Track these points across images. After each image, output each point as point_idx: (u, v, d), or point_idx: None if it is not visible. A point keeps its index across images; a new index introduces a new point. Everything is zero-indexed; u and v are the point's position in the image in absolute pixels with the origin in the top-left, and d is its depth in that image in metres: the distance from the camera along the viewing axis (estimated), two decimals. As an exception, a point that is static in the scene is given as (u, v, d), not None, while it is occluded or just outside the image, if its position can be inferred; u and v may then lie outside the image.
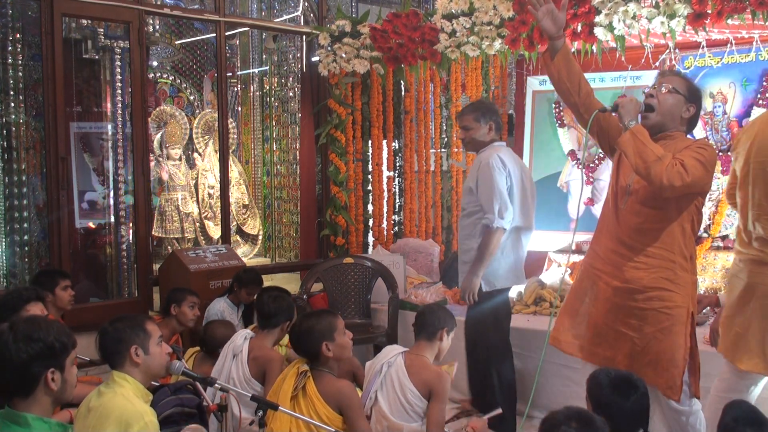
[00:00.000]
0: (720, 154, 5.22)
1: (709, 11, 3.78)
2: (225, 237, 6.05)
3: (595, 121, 3.07)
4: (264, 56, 8.15)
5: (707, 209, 5.18)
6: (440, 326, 3.34)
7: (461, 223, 4.02)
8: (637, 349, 2.96)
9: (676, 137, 2.99)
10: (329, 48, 5.79)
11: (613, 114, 3.02)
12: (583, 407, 2.18)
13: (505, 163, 3.82)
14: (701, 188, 2.90)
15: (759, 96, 5.04)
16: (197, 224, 8.02)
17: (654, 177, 2.77)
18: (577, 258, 5.19)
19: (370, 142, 6.12)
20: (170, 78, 8.41)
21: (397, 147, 6.35)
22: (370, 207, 6.16)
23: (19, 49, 5.28)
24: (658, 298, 2.93)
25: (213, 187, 7.98)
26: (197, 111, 8.44)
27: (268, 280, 5.34)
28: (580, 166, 5.77)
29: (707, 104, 5.31)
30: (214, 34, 5.92)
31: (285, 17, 7.49)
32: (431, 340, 3.34)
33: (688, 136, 3.10)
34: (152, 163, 7.40)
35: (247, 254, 7.99)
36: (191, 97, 8.54)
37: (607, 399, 2.32)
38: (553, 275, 5.42)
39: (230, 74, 8.39)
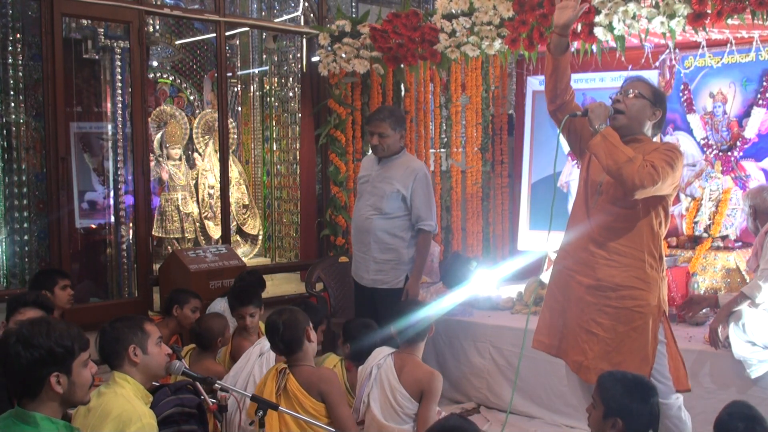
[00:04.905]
0: (720, 153, 5.22)
1: (709, 11, 3.78)
2: (225, 237, 6.05)
3: (568, 122, 3.15)
4: (264, 56, 8.14)
5: (707, 209, 5.18)
6: (428, 325, 3.46)
7: (381, 224, 4.25)
8: (609, 349, 2.99)
9: (644, 140, 3.06)
10: (329, 48, 5.79)
11: (583, 116, 3.05)
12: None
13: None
14: (669, 190, 2.98)
15: (759, 96, 5.04)
16: (197, 224, 8.02)
17: (626, 178, 2.82)
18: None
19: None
20: (170, 78, 8.41)
21: (397, 147, 6.34)
22: (370, 207, 6.15)
23: (19, 49, 5.28)
24: (631, 297, 2.97)
25: (213, 187, 7.98)
26: (197, 111, 8.44)
27: (268, 280, 5.34)
28: (574, 164, 5.76)
29: (707, 104, 5.32)
30: (214, 34, 5.92)
31: (285, 17, 7.49)
32: (423, 341, 3.44)
33: (655, 139, 3.17)
34: (152, 163, 7.40)
35: (247, 254, 7.99)
36: (191, 97, 8.54)
37: (627, 403, 2.37)
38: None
39: (230, 74, 8.38)
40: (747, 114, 5.11)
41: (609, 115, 2.99)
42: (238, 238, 8.10)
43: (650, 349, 2.96)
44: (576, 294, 3.08)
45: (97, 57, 5.71)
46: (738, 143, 5.14)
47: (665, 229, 3.08)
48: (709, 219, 5.15)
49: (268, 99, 8.08)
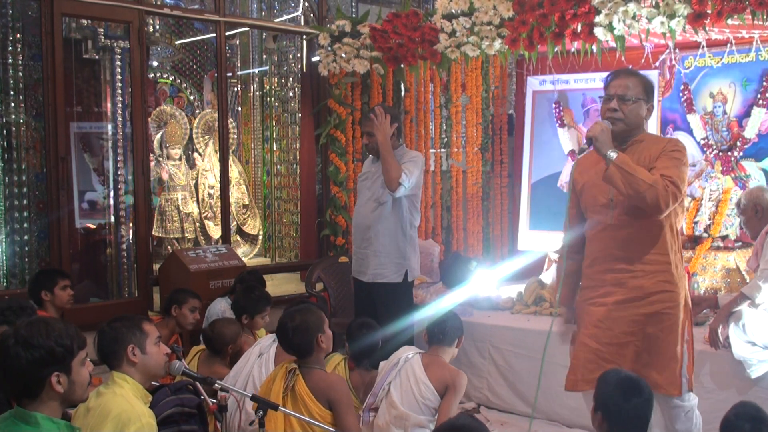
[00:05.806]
0: (720, 153, 5.22)
1: (709, 11, 3.78)
2: (225, 237, 6.05)
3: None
4: (264, 56, 8.14)
5: (707, 209, 5.18)
6: (459, 333, 3.53)
7: (381, 218, 4.22)
8: (638, 350, 2.99)
9: (645, 140, 3.04)
10: (329, 48, 5.79)
11: (590, 147, 2.97)
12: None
13: None
14: (684, 186, 2.98)
15: (759, 96, 5.04)
16: (197, 224, 8.02)
17: (651, 204, 2.82)
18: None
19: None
20: (170, 78, 8.41)
21: (397, 147, 6.33)
22: (370, 207, 6.14)
23: (19, 49, 5.27)
24: (660, 301, 2.97)
25: (213, 187, 7.98)
26: (197, 111, 8.44)
27: (268, 280, 5.34)
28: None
29: (707, 104, 5.31)
30: (214, 34, 5.92)
31: (285, 17, 7.48)
32: (450, 346, 3.50)
33: (651, 127, 3.19)
34: (152, 163, 7.40)
35: (247, 254, 7.99)
36: (191, 97, 8.54)
37: (607, 397, 2.33)
38: (552, 275, 5.42)
39: (230, 74, 8.38)
40: (747, 114, 5.11)
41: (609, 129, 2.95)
42: (238, 238, 8.10)
43: (679, 348, 2.98)
44: (596, 317, 3.03)
45: (97, 57, 5.70)
46: (738, 143, 5.14)
47: (682, 218, 3.10)
48: (709, 219, 5.15)
49: (268, 99, 8.08)
